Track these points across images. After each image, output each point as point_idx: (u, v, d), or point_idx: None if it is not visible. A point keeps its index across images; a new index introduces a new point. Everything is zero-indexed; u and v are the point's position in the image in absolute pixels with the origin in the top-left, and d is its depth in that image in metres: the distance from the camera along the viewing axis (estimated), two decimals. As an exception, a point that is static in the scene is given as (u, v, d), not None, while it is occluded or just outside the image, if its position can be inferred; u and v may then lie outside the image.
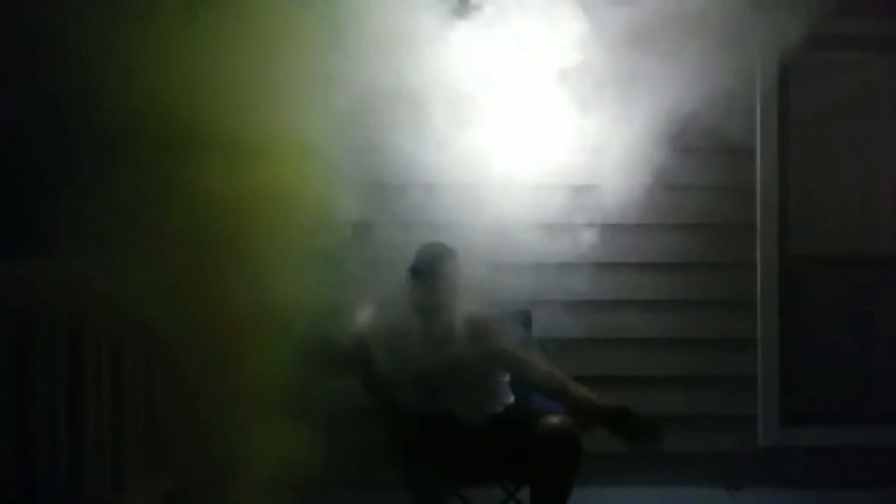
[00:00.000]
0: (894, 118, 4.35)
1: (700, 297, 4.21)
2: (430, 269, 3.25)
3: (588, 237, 3.58)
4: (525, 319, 3.69)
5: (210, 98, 2.80)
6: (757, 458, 4.20)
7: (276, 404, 2.97)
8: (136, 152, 2.74)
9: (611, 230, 4.00)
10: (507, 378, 3.44)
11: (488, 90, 3.42)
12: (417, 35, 3.20)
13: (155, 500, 2.96)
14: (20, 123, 2.84)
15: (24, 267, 2.52)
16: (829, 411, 4.28)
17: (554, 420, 3.17)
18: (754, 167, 4.25)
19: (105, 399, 2.77)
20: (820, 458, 4.17)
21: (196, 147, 2.78)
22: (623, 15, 3.52)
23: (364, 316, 3.32)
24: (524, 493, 3.36)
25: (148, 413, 2.99)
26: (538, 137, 3.53)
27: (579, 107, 3.47)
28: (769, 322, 4.22)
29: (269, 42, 2.90)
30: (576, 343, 3.96)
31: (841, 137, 4.34)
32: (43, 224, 2.84)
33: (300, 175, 2.96)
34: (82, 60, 2.62)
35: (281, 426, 2.98)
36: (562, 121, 3.50)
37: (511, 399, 3.43)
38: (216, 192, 2.79)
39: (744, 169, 4.24)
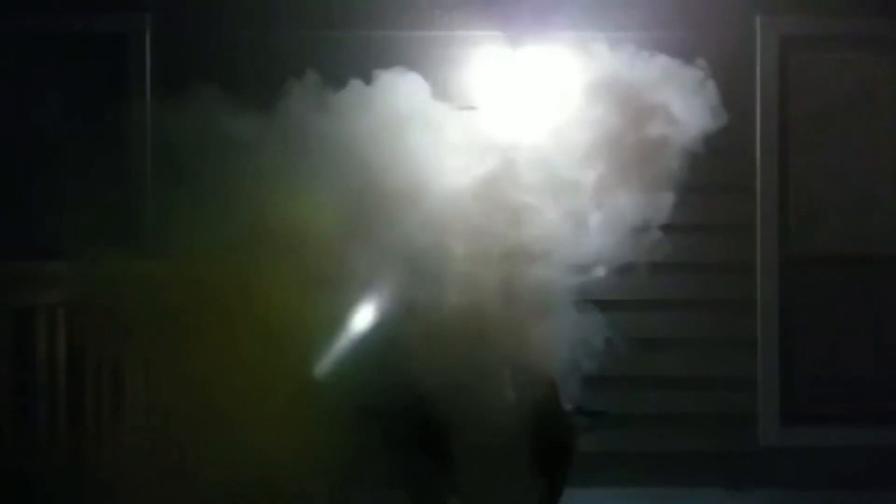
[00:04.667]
0: (894, 118, 4.34)
1: (700, 297, 4.21)
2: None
3: (585, 238, 3.57)
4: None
5: None
6: (757, 458, 4.20)
7: (278, 406, 2.97)
8: None
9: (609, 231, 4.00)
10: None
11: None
12: None
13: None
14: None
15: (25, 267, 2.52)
16: (829, 411, 4.28)
17: (549, 416, 3.20)
18: (754, 167, 4.25)
19: (104, 399, 2.78)
20: (820, 458, 4.17)
21: None
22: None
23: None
24: (524, 493, 3.37)
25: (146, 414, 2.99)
26: (543, 142, 3.54)
27: (583, 113, 3.49)
28: (769, 322, 4.22)
29: None
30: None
31: (841, 137, 4.34)
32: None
33: None
34: None
35: (282, 425, 2.98)
36: (566, 126, 3.52)
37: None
38: None
39: (744, 169, 4.25)
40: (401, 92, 3.43)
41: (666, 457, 4.16)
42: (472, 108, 3.97)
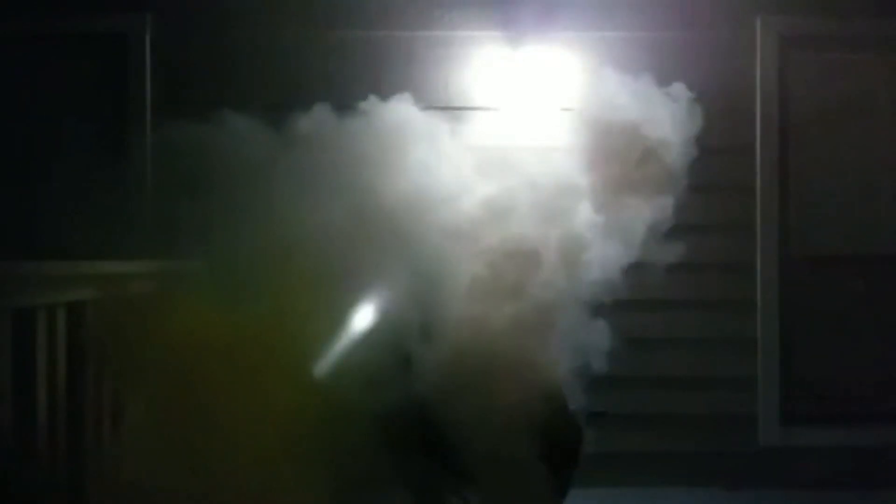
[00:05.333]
0: (894, 118, 4.34)
1: (700, 296, 4.21)
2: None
3: (586, 240, 3.57)
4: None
5: None
6: (757, 458, 4.20)
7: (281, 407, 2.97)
8: None
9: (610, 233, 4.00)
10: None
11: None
12: None
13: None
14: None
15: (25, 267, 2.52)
16: (829, 411, 4.28)
17: (554, 418, 3.20)
18: (754, 167, 4.25)
19: (104, 402, 2.78)
20: (820, 458, 4.17)
21: None
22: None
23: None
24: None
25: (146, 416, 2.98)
26: (543, 143, 3.55)
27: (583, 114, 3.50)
28: (769, 322, 4.23)
29: None
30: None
31: (841, 137, 4.34)
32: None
33: None
34: None
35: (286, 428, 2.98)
36: (567, 128, 3.53)
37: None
38: None
39: (744, 169, 4.25)
40: (401, 103, 3.43)
41: (666, 457, 4.17)
42: (472, 109, 3.98)
